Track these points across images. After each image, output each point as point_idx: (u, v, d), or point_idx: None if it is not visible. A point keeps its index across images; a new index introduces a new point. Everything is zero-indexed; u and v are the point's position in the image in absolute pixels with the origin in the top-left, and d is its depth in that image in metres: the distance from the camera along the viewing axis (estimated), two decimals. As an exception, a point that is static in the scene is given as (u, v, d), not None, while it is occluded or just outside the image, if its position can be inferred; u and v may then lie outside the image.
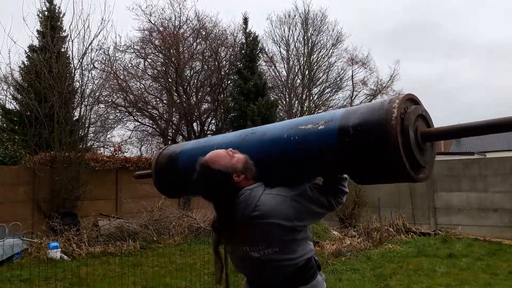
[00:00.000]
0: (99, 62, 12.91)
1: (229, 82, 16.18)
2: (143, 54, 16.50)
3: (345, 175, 1.69)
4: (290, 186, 1.59)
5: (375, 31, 43.68)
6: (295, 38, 23.00)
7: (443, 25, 53.38)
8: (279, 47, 23.40)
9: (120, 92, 15.37)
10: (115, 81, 14.50)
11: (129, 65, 16.37)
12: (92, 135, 13.14)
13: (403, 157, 1.31)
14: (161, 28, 16.34)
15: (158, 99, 17.51)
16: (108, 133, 17.63)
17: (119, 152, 11.58)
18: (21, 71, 12.86)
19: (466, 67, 60.15)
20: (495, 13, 60.14)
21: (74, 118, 10.77)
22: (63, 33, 12.74)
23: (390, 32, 47.28)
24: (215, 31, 16.74)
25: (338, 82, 23.48)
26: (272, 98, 16.92)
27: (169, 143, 18.63)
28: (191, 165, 1.73)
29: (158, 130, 17.95)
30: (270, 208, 1.52)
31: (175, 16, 16.97)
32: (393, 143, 1.30)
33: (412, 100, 1.47)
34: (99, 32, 10.99)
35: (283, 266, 1.57)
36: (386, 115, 1.33)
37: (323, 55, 23.04)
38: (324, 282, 1.70)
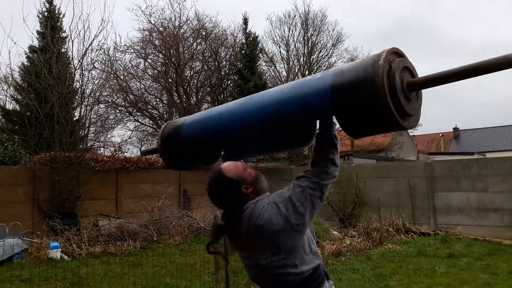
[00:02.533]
0: (99, 62, 12.93)
1: (229, 82, 16.19)
2: (143, 55, 16.51)
3: (335, 141, 1.69)
4: (284, 191, 1.66)
5: (372, 31, 43.73)
6: (295, 38, 22.99)
7: (439, 26, 53.44)
8: (279, 47, 23.38)
9: (120, 92, 15.38)
10: (115, 81, 14.51)
11: (129, 65, 16.39)
12: (92, 135, 13.15)
13: (390, 104, 1.41)
14: (161, 29, 16.35)
15: (158, 99, 17.53)
16: (108, 133, 17.63)
17: (119, 152, 11.58)
18: (21, 72, 12.87)
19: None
20: (492, 15, 60.16)
21: (74, 118, 10.77)
22: (63, 33, 12.75)
23: (388, 33, 47.30)
24: (215, 31, 16.75)
25: (338, 82, 23.45)
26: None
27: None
28: (194, 136, 1.99)
29: (158, 130, 17.95)
30: (271, 217, 1.60)
31: (175, 16, 17.00)
32: (381, 93, 1.41)
33: (397, 53, 1.55)
34: (99, 33, 10.95)
35: (290, 274, 1.63)
36: (373, 67, 1.43)
37: (323, 55, 23.04)
38: None
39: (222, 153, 2.06)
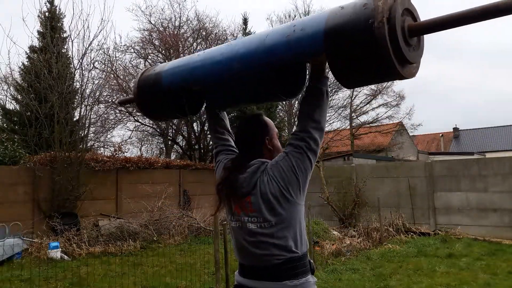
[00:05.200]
0: (99, 62, 12.92)
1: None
2: (143, 55, 16.52)
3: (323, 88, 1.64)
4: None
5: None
6: (295, 38, 22.98)
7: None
8: (279, 47, 23.40)
9: (120, 92, 15.37)
10: (115, 81, 14.50)
11: (129, 65, 16.39)
12: (92, 135, 13.13)
13: (390, 51, 1.30)
14: (161, 29, 16.35)
15: (158, 99, 17.49)
16: (108, 133, 17.62)
17: (119, 152, 11.57)
18: (21, 72, 12.87)
19: (459, 70, 60.31)
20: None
21: (74, 118, 10.77)
22: (63, 34, 12.75)
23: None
24: (215, 31, 16.76)
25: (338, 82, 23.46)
26: (272, 98, 16.91)
27: (169, 143, 18.65)
28: (174, 86, 1.88)
29: (158, 130, 17.97)
30: (272, 176, 1.60)
31: (175, 16, 17.00)
32: (381, 39, 1.29)
33: None
34: (99, 32, 10.99)
35: (276, 247, 1.57)
36: (373, 7, 1.32)
37: (323, 55, 23.02)
38: (314, 286, 1.66)
39: (205, 104, 2.00)
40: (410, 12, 1.43)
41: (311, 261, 1.70)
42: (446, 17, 1.33)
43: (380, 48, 1.30)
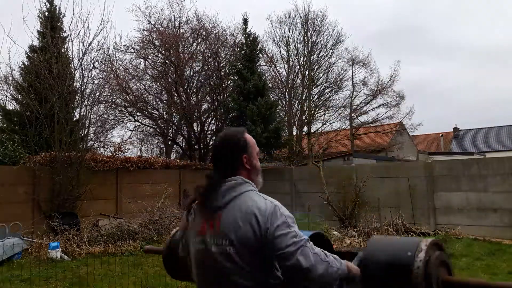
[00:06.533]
0: (99, 62, 12.91)
1: (229, 82, 16.19)
2: (143, 55, 16.52)
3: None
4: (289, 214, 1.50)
5: (368, 32, 43.82)
6: (295, 38, 22.97)
7: (433, 29, 53.64)
8: (279, 47, 23.37)
9: (120, 92, 15.38)
10: (115, 81, 14.50)
11: (129, 65, 16.38)
12: (92, 135, 13.15)
13: None
14: (161, 29, 16.35)
15: (158, 99, 17.53)
16: (108, 133, 17.64)
17: (119, 152, 11.58)
18: (21, 71, 12.86)
19: (457, 70, 60.28)
20: (484, 19, 60.27)
21: (74, 118, 10.77)
22: (63, 33, 12.74)
23: (381, 34, 47.39)
24: (215, 31, 16.76)
25: (338, 82, 23.45)
26: (272, 98, 16.90)
27: (169, 143, 18.66)
28: None
29: (158, 130, 17.97)
30: (255, 206, 1.45)
31: (174, 16, 16.99)
32: (417, 275, 1.35)
33: (437, 245, 1.53)
34: (99, 32, 10.91)
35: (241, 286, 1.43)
36: (413, 259, 1.39)
37: (323, 55, 23.02)
38: None
39: None
40: (447, 266, 1.52)
41: None
42: (478, 283, 1.43)
43: (415, 285, 1.35)
